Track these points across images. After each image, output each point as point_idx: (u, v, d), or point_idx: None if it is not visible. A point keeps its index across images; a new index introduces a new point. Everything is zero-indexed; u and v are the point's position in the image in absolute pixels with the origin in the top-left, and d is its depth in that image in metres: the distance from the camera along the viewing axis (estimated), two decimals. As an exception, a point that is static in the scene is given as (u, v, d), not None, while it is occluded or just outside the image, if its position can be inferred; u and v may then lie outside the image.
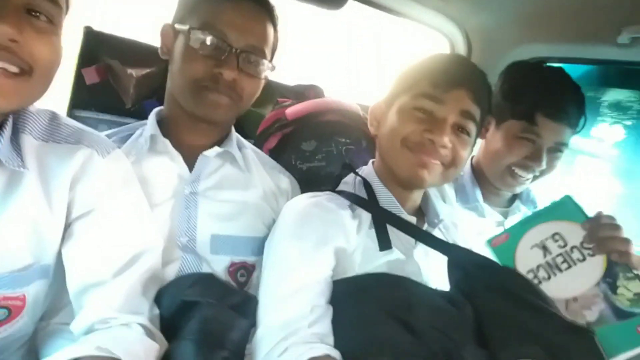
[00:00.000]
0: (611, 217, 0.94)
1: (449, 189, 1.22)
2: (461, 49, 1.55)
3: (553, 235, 0.93)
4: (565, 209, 0.95)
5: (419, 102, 0.91)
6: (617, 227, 0.92)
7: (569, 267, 0.91)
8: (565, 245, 0.92)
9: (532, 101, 1.16)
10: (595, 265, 0.90)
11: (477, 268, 0.84)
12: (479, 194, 1.26)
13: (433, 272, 0.93)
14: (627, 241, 0.91)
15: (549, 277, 0.91)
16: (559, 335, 0.76)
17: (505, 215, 1.29)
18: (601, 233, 0.91)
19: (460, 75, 0.92)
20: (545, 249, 0.93)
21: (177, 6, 0.99)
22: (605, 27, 1.22)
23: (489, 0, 1.33)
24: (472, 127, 0.93)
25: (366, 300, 0.80)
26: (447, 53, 1.00)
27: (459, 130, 0.92)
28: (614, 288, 0.87)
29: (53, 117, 0.79)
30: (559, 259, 0.92)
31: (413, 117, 0.91)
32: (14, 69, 0.64)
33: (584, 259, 0.91)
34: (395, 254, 0.91)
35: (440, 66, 0.94)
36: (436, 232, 1.00)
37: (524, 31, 1.39)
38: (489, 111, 1.00)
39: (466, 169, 1.30)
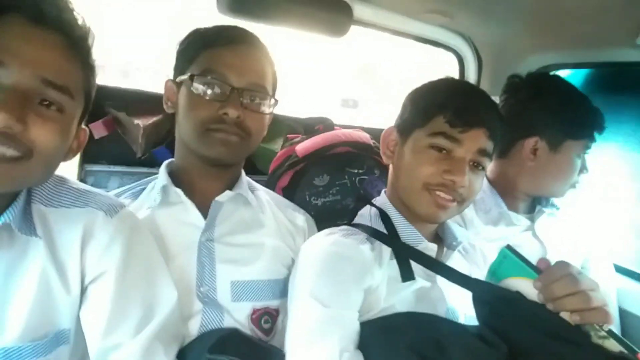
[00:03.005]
0: (564, 266, 0.81)
1: (467, 211, 1.23)
2: (471, 63, 1.55)
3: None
4: (509, 264, 0.86)
5: (436, 140, 0.93)
6: (572, 281, 0.78)
7: None
8: None
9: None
10: None
11: (502, 302, 0.83)
12: (501, 201, 1.28)
13: (458, 296, 0.93)
14: (585, 297, 0.77)
15: None
16: None
17: (532, 220, 1.30)
18: (555, 293, 0.79)
19: (478, 114, 0.94)
20: None
21: (176, 61, 1.04)
22: (622, 29, 1.21)
23: (496, 12, 1.33)
24: (487, 163, 0.96)
25: (396, 342, 0.80)
26: (460, 81, 1.00)
27: (474, 165, 0.95)
28: None
29: (60, 182, 0.82)
30: None
31: (431, 157, 0.93)
32: (11, 152, 0.65)
33: None
34: (419, 283, 0.92)
35: (457, 103, 0.93)
36: (455, 255, 1.01)
37: (534, 40, 1.39)
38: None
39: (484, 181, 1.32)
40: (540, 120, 1.22)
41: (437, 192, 0.92)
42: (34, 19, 0.68)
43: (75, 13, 0.73)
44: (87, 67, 0.76)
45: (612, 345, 0.76)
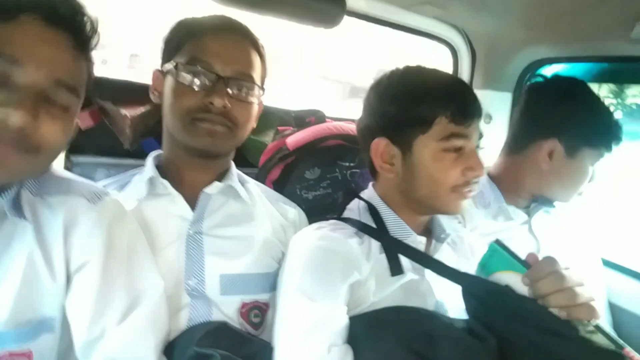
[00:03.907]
0: (549, 262, 0.82)
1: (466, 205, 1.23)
2: (465, 56, 1.55)
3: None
4: (499, 258, 0.87)
5: (449, 143, 0.92)
6: (558, 278, 0.80)
7: None
8: None
9: None
10: None
11: (492, 296, 0.84)
12: (500, 196, 1.29)
13: (446, 290, 0.94)
14: (571, 293, 0.79)
15: None
16: (590, 359, 0.76)
17: (529, 214, 1.31)
18: (542, 289, 0.80)
19: (474, 103, 0.95)
20: None
21: (162, 50, 1.03)
22: (616, 23, 1.21)
23: (490, 4, 1.33)
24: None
25: (385, 336, 0.81)
26: (439, 73, 0.97)
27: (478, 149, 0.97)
28: None
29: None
30: None
31: (450, 160, 0.92)
32: (22, 149, 0.68)
33: None
34: (408, 276, 0.92)
35: (454, 99, 0.92)
36: (444, 247, 1.01)
37: (529, 33, 1.39)
38: None
39: (482, 176, 1.33)
40: (562, 123, 1.22)
41: (464, 190, 0.93)
42: (50, 20, 0.70)
43: (87, 14, 0.75)
44: (90, 64, 0.78)
45: (600, 340, 0.77)
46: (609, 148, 1.24)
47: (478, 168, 0.92)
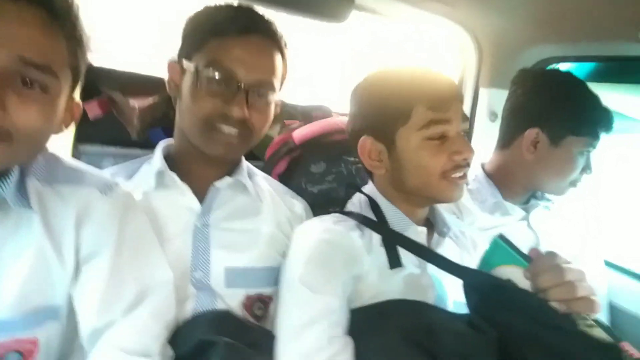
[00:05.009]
0: (552, 257, 0.85)
1: (463, 200, 1.24)
2: (472, 54, 1.56)
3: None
4: (502, 252, 0.89)
5: (428, 132, 0.92)
6: (559, 271, 0.82)
7: None
8: None
9: None
10: None
11: (493, 289, 0.85)
12: (497, 191, 1.30)
13: (448, 283, 0.95)
14: (571, 287, 0.80)
15: None
16: (588, 353, 0.77)
17: (527, 210, 1.32)
18: (543, 283, 0.82)
19: (450, 86, 0.96)
20: None
21: (182, 41, 1.01)
22: (624, 22, 1.21)
23: (498, 3, 1.33)
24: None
25: (387, 328, 0.83)
26: (418, 67, 0.99)
27: (464, 134, 0.97)
28: None
29: (54, 159, 0.82)
30: None
31: (432, 148, 0.92)
32: None
33: None
34: (409, 269, 0.94)
35: (427, 87, 0.93)
36: (447, 241, 1.02)
37: (536, 32, 1.40)
38: None
39: (479, 173, 1.36)
40: (542, 112, 1.23)
41: (454, 175, 0.93)
42: None
43: None
44: (73, 41, 0.72)
45: (599, 334, 0.79)
46: (595, 136, 1.24)
47: (465, 151, 0.92)
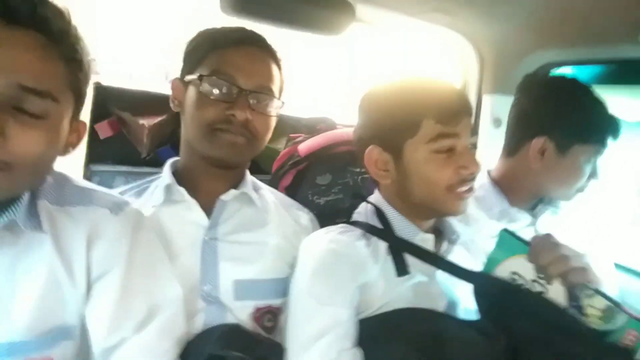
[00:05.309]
0: (547, 237, 0.91)
1: (470, 208, 1.25)
2: (473, 62, 1.57)
3: (512, 275, 0.90)
4: (507, 244, 0.92)
5: (436, 145, 0.92)
6: (554, 247, 0.88)
7: None
8: (525, 282, 0.90)
9: None
10: (557, 294, 0.87)
11: (504, 293, 0.86)
12: (503, 199, 1.29)
13: (458, 290, 0.96)
14: (565, 259, 0.86)
15: None
16: (601, 358, 0.77)
17: (534, 216, 1.32)
18: (542, 261, 0.87)
19: (460, 100, 0.96)
20: None
21: (184, 61, 1.06)
22: (624, 26, 1.22)
23: (498, 10, 1.34)
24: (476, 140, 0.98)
25: (395, 338, 0.83)
26: (429, 79, 0.99)
27: (472, 148, 0.97)
28: (581, 310, 0.85)
29: (64, 179, 0.82)
30: None
31: (440, 161, 0.92)
32: None
33: (546, 291, 0.88)
34: (417, 277, 0.93)
35: (437, 100, 0.93)
36: (457, 248, 1.02)
37: (536, 37, 1.40)
38: None
39: (485, 180, 1.35)
40: (549, 120, 1.22)
41: (459, 189, 0.93)
42: (5, 19, 0.63)
43: (52, 5, 0.68)
44: (73, 63, 0.71)
45: (599, 302, 0.84)
46: (603, 143, 1.23)
47: (471, 165, 0.92)
